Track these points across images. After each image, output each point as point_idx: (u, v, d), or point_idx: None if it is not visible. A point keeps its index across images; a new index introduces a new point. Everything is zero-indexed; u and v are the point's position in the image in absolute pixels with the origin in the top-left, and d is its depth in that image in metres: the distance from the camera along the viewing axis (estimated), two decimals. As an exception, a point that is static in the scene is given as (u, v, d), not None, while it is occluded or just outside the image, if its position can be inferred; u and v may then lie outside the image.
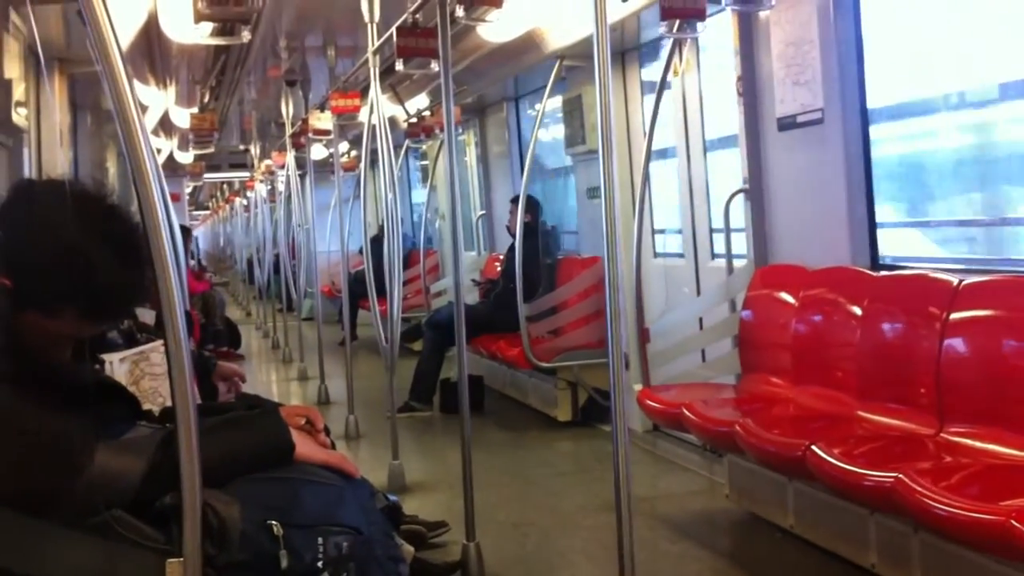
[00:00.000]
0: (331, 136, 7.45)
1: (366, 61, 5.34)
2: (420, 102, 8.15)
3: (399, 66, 4.90)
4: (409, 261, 9.66)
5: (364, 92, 6.61)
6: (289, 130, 9.26)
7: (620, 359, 2.52)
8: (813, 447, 3.39)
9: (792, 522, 4.06)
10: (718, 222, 5.37)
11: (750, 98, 4.82)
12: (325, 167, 10.42)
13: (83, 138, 8.21)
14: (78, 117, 7.93)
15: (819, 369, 4.22)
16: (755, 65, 4.81)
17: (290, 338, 10.93)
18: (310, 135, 8.14)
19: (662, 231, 6.57)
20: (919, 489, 2.86)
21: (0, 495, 1.83)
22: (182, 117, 9.12)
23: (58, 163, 6.10)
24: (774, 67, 4.60)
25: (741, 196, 4.91)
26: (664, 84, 4.90)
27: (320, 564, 1.94)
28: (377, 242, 7.31)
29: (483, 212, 9.45)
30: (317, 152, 9.62)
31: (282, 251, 11.98)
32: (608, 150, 2.47)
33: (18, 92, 5.47)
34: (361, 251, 6.44)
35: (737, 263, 4.97)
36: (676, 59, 5.37)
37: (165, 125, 9.92)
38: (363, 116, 6.46)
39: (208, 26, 4.56)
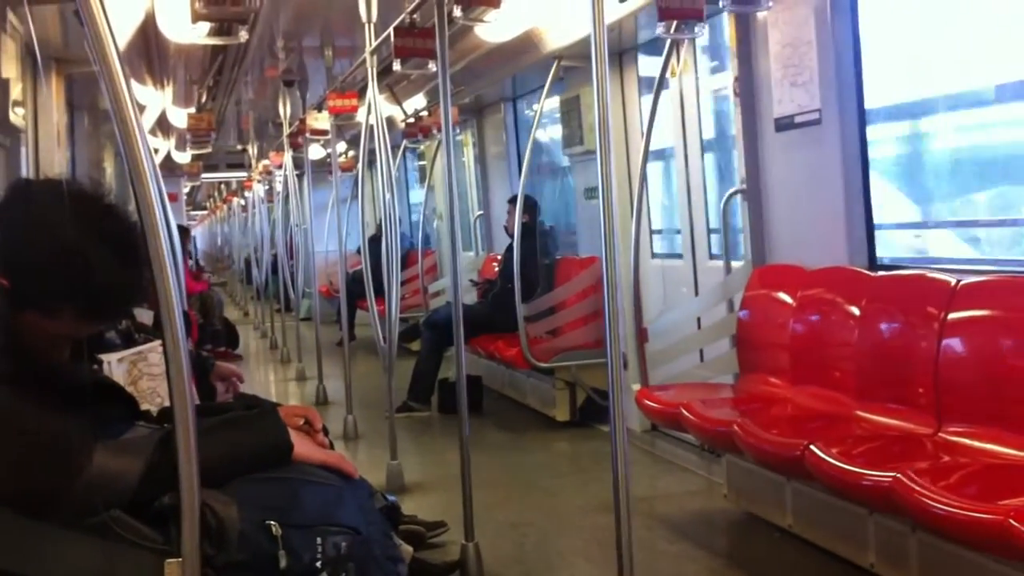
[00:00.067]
0: (328, 136, 7.44)
1: (363, 61, 5.34)
2: (418, 102, 8.15)
3: (397, 66, 4.90)
4: (407, 261, 9.66)
5: (362, 92, 6.61)
6: (287, 130, 9.25)
7: (618, 359, 2.52)
8: (811, 447, 3.39)
9: (790, 522, 4.06)
10: (716, 222, 5.37)
11: (748, 99, 4.83)
12: (323, 167, 10.43)
13: (80, 138, 8.21)
14: (75, 117, 7.93)
15: (817, 369, 4.22)
16: (753, 66, 4.81)
17: (288, 338, 10.92)
18: (307, 135, 8.14)
19: (659, 231, 6.58)
20: (917, 489, 2.86)
21: None
22: (179, 117, 9.11)
23: (55, 163, 6.10)
24: (772, 68, 4.60)
25: (739, 196, 4.91)
26: (661, 85, 4.90)
27: (319, 564, 1.94)
28: (375, 242, 7.31)
29: (481, 212, 9.45)
30: (315, 152, 9.62)
31: (280, 251, 11.98)
32: (606, 150, 2.47)
33: (15, 92, 5.47)
34: (359, 251, 6.44)
35: (735, 263, 4.97)
36: (673, 60, 5.38)
37: (162, 125, 9.92)
38: (361, 116, 6.46)
39: (205, 26, 4.55)
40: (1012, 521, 2.51)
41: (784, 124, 4.57)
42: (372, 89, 5.18)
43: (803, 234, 4.59)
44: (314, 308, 9.28)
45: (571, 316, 6.54)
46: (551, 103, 7.03)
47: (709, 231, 5.75)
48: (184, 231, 12.52)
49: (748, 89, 4.82)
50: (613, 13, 4.81)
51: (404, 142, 8.76)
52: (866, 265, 4.29)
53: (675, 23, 4.22)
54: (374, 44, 5.13)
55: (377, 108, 5.17)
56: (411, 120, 8.20)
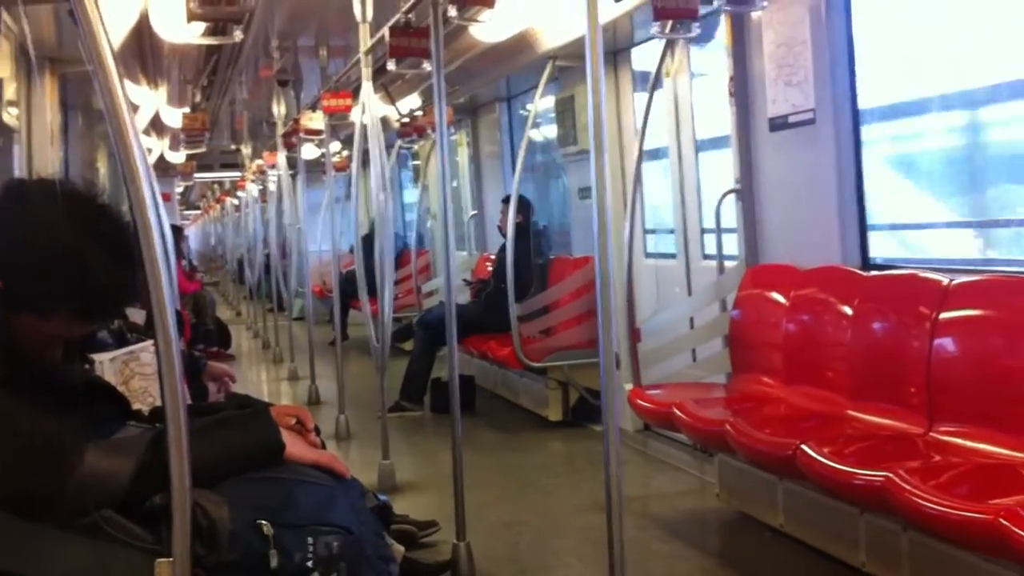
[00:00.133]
0: (323, 136, 7.43)
1: (358, 61, 5.34)
2: (412, 102, 8.14)
3: (391, 66, 4.90)
4: (401, 261, 9.65)
5: (356, 92, 6.59)
6: (281, 130, 9.24)
7: (611, 359, 2.52)
8: (803, 446, 3.40)
9: (782, 521, 4.07)
10: (709, 222, 5.37)
11: (742, 98, 4.83)
12: (317, 167, 10.41)
13: (74, 138, 8.19)
14: (69, 116, 7.90)
15: (810, 369, 4.23)
16: (747, 66, 4.82)
17: (281, 338, 10.91)
18: (302, 135, 8.14)
19: (653, 231, 6.58)
20: (909, 488, 2.87)
21: None
22: (173, 117, 9.09)
23: (49, 162, 6.08)
24: (766, 68, 4.61)
25: (732, 196, 4.92)
26: (655, 84, 4.91)
27: (310, 564, 1.94)
28: (368, 240, 7.31)
29: (475, 212, 9.45)
30: (308, 152, 9.61)
31: (273, 251, 11.97)
32: (600, 150, 2.47)
33: (9, 91, 5.46)
34: (352, 250, 6.43)
35: (728, 263, 4.98)
36: (668, 60, 5.38)
37: (156, 125, 9.89)
38: (355, 116, 6.45)
39: (200, 26, 4.55)
40: (1003, 520, 2.52)
41: (778, 124, 4.58)
42: (366, 89, 5.18)
43: (796, 234, 4.60)
44: (307, 308, 9.27)
45: (564, 316, 6.54)
46: (546, 103, 7.03)
47: (702, 231, 5.75)
48: (178, 231, 12.51)
49: (742, 89, 4.83)
50: (608, 13, 4.82)
51: (398, 142, 8.74)
52: (859, 265, 4.30)
53: (670, 23, 4.22)
54: (369, 44, 5.13)
55: (371, 108, 5.17)
56: (405, 120, 8.19)
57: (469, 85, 7.64)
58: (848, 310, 4.05)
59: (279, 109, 8.96)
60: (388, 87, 7.67)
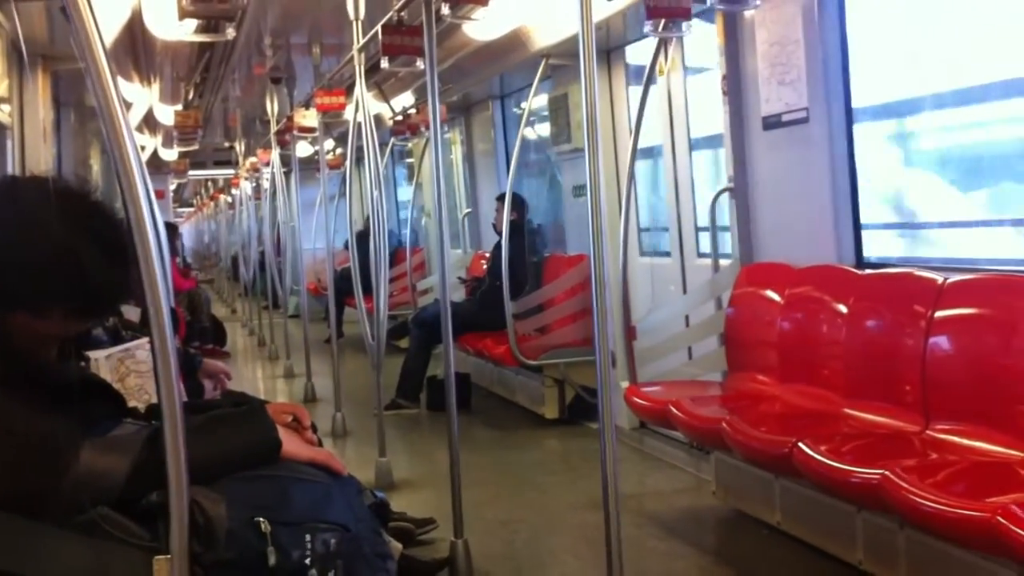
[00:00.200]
0: (316, 134, 7.43)
1: (351, 59, 5.33)
2: (405, 100, 8.14)
3: (384, 64, 4.89)
4: (395, 259, 9.65)
5: (349, 90, 6.60)
6: (274, 127, 9.23)
7: (607, 356, 2.52)
8: (799, 444, 3.40)
9: (779, 519, 4.07)
10: (704, 220, 5.38)
11: (735, 97, 4.83)
12: (310, 164, 10.41)
13: (67, 135, 8.18)
14: (62, 114, 7.89)
15: (805, 367, 4.23)
16: (740, 64, 4.82)
17: (276, 335, 10.91)
18: (295, 132, 8.12)
19: (647, 229, 6.58)
20: (905, 486, 2.87)
21: None
22: (166, 114, 9.08)
23: (41, 160, 6.07)
24: (759, 66, 4.61)
25: (727, 195, 4.92)
26: (649, 83, 4.91)
27: (308, 561, 1.93)
28: (363, 238, 7.30)
29: (469, 210, 9.44)
30: (302, 149, 9.61)
31: (267, 248, 11.96)
32: (594, 148, 2.47)
33: (1, 89, 5.45)
34: (347, 246, 6.43)
35: (723, 261, 4.98)
36: (661, 58, 5.38)
37: (149, 122, 9.89)
38: (348, 114, 6.45)
39: (192, 23, 4.54)
40: (999, 518, 2.52)
41: (772, 123, 4.58)
42: (360, 86, 5.17)
43: (791, 232, 4.60)
44: (302, 305, 9.27)
45: (559, 314, 6.54)
46: (539, 101, 7.03)
47: (697, 229, 5.76)
48: (172, 228, 12.50)
49: (736, 87, 4.83)
50: (601, 11, 4.82)
51: (392, 140, 8.75)
52: (853, 263, 4.30)
53: (663, 21, 4.22)
54: (362, 41, 5.12)
55: (365, 105, 5.16)
56: (399, 118, 8.20)
57: (462, 83, 7.63)
58: (843, 308, 4.06)
59: (272, 106, 8.95)
60: (381, 85, 7.67)
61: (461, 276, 8.46)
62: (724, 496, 4.52)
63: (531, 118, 7.21)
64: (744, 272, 4.75)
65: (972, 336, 3.52)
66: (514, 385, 7.16)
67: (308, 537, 1.95)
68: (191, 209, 30.53)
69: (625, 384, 4.84)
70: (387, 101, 8.14)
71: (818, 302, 4.28)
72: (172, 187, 19.62)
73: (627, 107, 6.38)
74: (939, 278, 3.65)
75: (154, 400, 2.46)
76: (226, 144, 14.15)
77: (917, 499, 2.81)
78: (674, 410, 4.21)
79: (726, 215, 4.97)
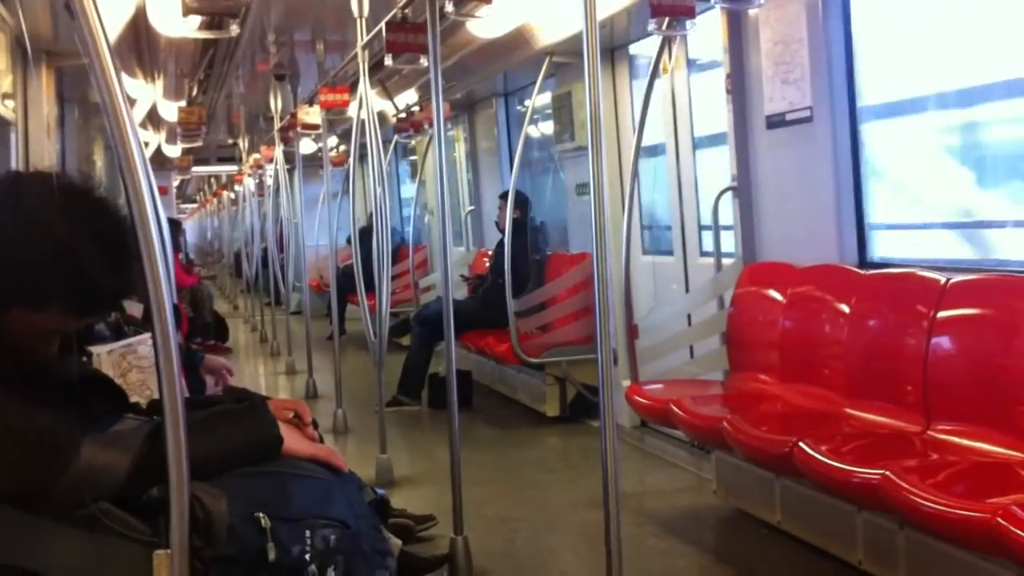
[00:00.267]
0: (320, 130, 7.43)
1: (355, 56, 5.33)
2: (409, 97, 8.14)
3: (388, 61, 4.90)
4: (398, 256, 9.66)
5: (353, 87, 6.59)
6: (277, 124, 9.24)
7: (609, 355, 2.52)
8: (800, 444, 3.40)
9: (779, 518, 4.07)
10: (706, 219, 5.37)
11: (739, 96, 4.83)
12: (314, 161, 10.41)
13: (70, 131, 8.18)
14: (65, 110, 7.89)
15: (807, 366, 4.23)
16: (744, 63, 4.81)
17: (278, 332, 10.91)
18: (299, 129, 8.13)
19: (649, 227, 6.58)
20: (906, 486, 2.87)
21: None
22: (170, 110, 9.09)
23: (45, 156, 6.08)
24: (763, 65, 4.60)
25: (730, 193, 4.92)
26: (653, 81, 4.90)
27: (307, 557, 1.94)
28: (365, 234, 7.31)
29: (472, 208, 9.44)
30: (305, 146, 9.60)
31: (270, 245, 11.97)
32: (597, 146, 2.47)
33: (5, 84, 5.45)
34: (349, 241, 6.42)
35: (725, 260, 4.98)
36: (665, 56, 5.38)
37: (153, 118, 9.89)
38: (352, 111, 6.45)
39: (196, 19, 4.55)
40: (1000, 519, 2.52)
41: (775, 121, 4.57)
42: (364, 84, 5.17)
43: (793, 232, 4.60)
44: (304, 302, 9.27)
45: (561, 312, 6.54)
46: (543, 99, 7.03)
47: (700, 227, 5.75)
48: (175, 224, 12.50)
49: (739, 86, 4.82)
50: (605, 9, 4.82)
51: (395, 137, 8.75)
52: (856, 263, 4.30)
53: (667, 19, 4.22)
54: (366, 39, 5.12)
55: (368, 103, 5.17)
56: (402, 115, 8.20)
57: (466, 81, 7.63)
58: (845, 308, 4.06)
59: (276, 103, 8.95)
60: (385, 82, 7.67)
61: (463, 274, 8.46)
62: (724, 495, 4.52)
63: (534, 116, 7.21)
64: (746, 271, 4.75)
65: (974, 337, 3.52)
66: (515, 383, 7.16)
67: (308, 533, 1.95)
68: (194, 205, 30.57)
69: (626, 382, 4.84)
70: (391, 98, 8.14)
71: (820, 302, 4.28)
72: (175, 183, 19.65)
73: (631, 105, 6.38)
74: (941, 278, 3.64)
75: (156, 396, 2.47)
76: (229, 140, 14.16)
77: (917, 499, 2.81)
78: (675, 409, 4.21)
79: (729, 214, 4.97)
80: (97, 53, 1.67)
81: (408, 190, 12.12)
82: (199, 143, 10.56)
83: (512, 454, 5.91)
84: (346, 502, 2.08)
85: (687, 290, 5.77)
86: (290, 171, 10.41)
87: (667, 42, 5.05)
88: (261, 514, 1.92)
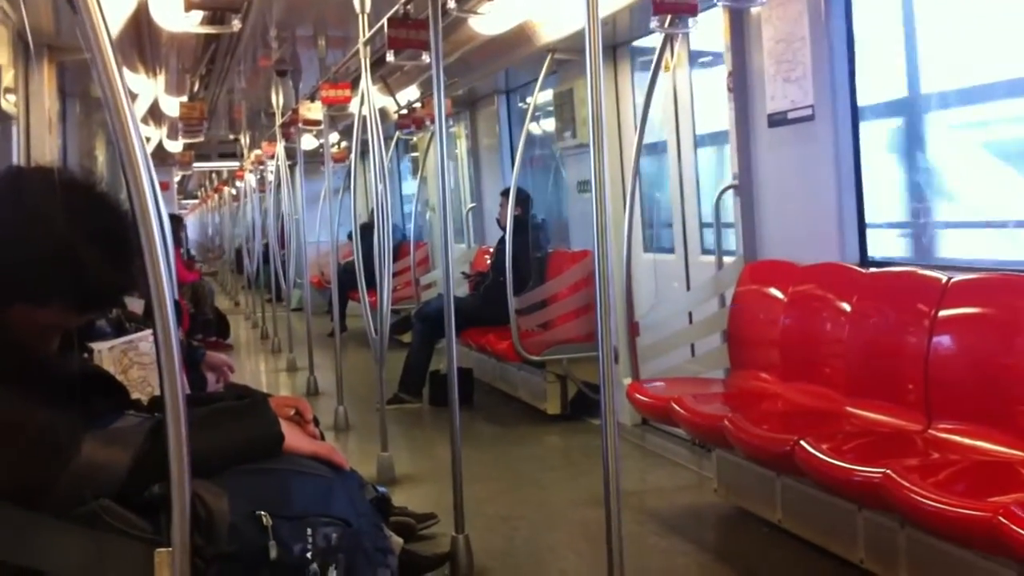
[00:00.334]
0: (321, 126, 7.43)
1: (357, 52, 5.32)
2: (411, 94, 8.14)
3: (390, 57, 4.89)
4: (399, 253, 9.66)
5: (355, 83, 6.59)
6: (279, 120, 9.24)
7: (610, 353, 2.52)
8: (801, 442, 3.40)
9: (780, 517, 4.07)
10: (708, 217, 5.37)
11: (741, 94, 4.82)
12: (315, 158, 10.41)
13: (72, 126, 8.17)
14: (67, 104, 7.88)
15: (808, 365, 4.23)
16: (746, 61, 4.81)
17: (279, 328, 10.91)
18: (300, 125, 8.12)
19: (651, 225, 6.58)
20: (907, 485, 2.87)
21: None
22: (171, 106, 9.09)
23: (47, 150, 6.07)
24: (765, 63, 4.60)
25: (731, 191, 4.91)
26: (655, 79, 4.90)
27: (309, 555, 1.93)
28: (367, 230, 7.30)
29: (473, 205, 9.44)
30: (307, 142, 9.60)
31: (271, 241, 11.97)
32: (599, 144, 2.46)
33: (7, 79, 5.44)
34: (350, 236, 6.42)
35: (727, 258, 4.98)
36: (667, 54, 5.37)
37: (154, 114, 9.89)
38: (353, 107, 6.45)
39: (198, 14, 4.55)
40: (1001, 518, 2.51)
41: (777, 120, 4.57)
42: (365, 80, 5.17)
43: (795, 230, 4.60)
44: (305, 299, 9.27)
45: (562, 309, 6.54)
46: (544, 96, 7.02)
47: (701, 225, 5.75)
48: (176, 220, 12.50)
49: (741, 84, 4.82)
50: (607, 6, 4.82)
51: (397, 133, 8.73)
52: (857, 262, 4.30)
53: (669, 17, 4.22)
54: (368, 35, 5.12)
55: (370, 99, 5.16)
56: (404, 111, 8.19)
57: (468, 77, 7.62)
58: (846, 307, 4.05)
59: (277, 99, 8.95)
60: (387, 78, 7.67)
61: (465, 271, 8.45)
62: (725, 494, 4.52)
63: (536, 113, 7.20)
64: (748, 269, 4.75)
65: (975, 336, 3.52)
66: (516, 381, 7.16)
67: (309, 531, 1.95)
68: (195, 201, 30.59)
69: (627, 380, 4.84)
70: (392, 95, 8.14)
71: (821, 300, 4.27)
72: (177, 179, 19.66)
73: (632, 102, 6.37)
74: (943, 277, 3.64)
75: (157, 392, 2.46)
76: (231, 136, 14.16)
77: (918, 498, 2.81)
78: (676, 407, 4.21)
79: (730, 212, 4.97)
80: (99, 48, 1.67)
81: (409, 187, 12.13)
82: (200, 139, 10.55)
83: (513, 452, 5.91)
84: (347, 500, 2.08)
85: (688, 288, 5.77)
86: (291, 167, 10.42)
87: (669, 40, 5.05)
88: (263, 512, 1.91)
